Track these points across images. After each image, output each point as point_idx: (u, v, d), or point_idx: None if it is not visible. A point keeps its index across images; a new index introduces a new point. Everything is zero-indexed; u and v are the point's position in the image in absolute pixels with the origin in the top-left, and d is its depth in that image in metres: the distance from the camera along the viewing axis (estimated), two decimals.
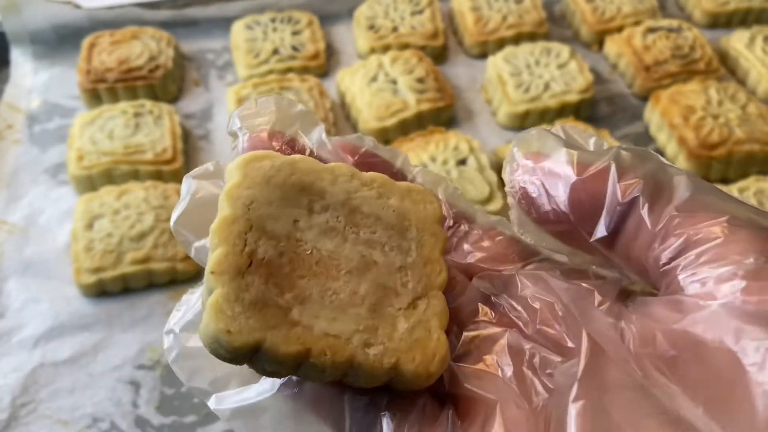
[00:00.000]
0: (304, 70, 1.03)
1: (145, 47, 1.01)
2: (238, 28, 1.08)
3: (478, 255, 0.34)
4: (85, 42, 1.01)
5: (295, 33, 1.07)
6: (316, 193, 0.30)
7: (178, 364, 0.32)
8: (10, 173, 0.91)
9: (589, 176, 0.29)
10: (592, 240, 0.30)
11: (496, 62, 1.01)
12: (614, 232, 0.29)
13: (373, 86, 0.96)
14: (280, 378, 0.31)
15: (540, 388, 0.28)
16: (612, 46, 1.07)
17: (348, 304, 0.29)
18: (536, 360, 0.29)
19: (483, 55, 1.09)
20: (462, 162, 0.87)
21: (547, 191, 0.30)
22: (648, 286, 0.30)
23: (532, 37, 1.08)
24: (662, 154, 0.86)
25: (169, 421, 0.68)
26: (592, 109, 1.00)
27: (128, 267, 0.77)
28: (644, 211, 0.28)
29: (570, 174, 0.29)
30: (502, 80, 0.98)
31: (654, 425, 0.25)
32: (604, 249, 0.30)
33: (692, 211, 0.27)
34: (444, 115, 0.97)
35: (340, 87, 1.00)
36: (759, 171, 0.81)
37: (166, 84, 1.00)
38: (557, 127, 0.32)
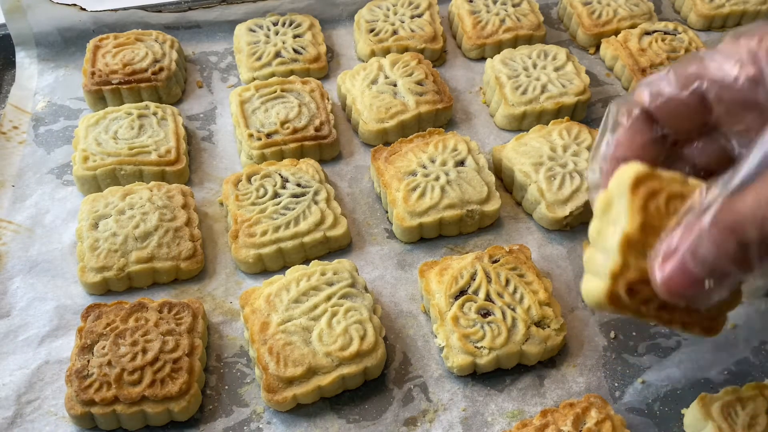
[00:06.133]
0: (305, 73, 1.04)
1: (149, 50, 1.02)
2: (240, 31, 1.09)
3: None
4: (90, 44, 1.02)
5: (297, 36, 1.08)
6: None
7: None
8: (16, 174, 0.92)
9: None
10: None
11: (493, 65, 1.02)
12: None
13: (374, 88, 0.98)
14: None
15: None
16: (608, 48, 1.09)
17: None
18: None
19: (481, 58, 1.10)
20: (461, 163, 0.88)
21: None
22: None
23: (529, 39, 1.09)
24: None
25: None
26: (589, 111, 1.02)
27: (133, 266, 0.78)
28: None
29: None
30: (500, 82, 0.99)
31: None
32: None
33: None
34: (443, 116, 0.99)
35: (341, 89, 1.01)
36: None
37: (170, 86, 1.01)
38: None
